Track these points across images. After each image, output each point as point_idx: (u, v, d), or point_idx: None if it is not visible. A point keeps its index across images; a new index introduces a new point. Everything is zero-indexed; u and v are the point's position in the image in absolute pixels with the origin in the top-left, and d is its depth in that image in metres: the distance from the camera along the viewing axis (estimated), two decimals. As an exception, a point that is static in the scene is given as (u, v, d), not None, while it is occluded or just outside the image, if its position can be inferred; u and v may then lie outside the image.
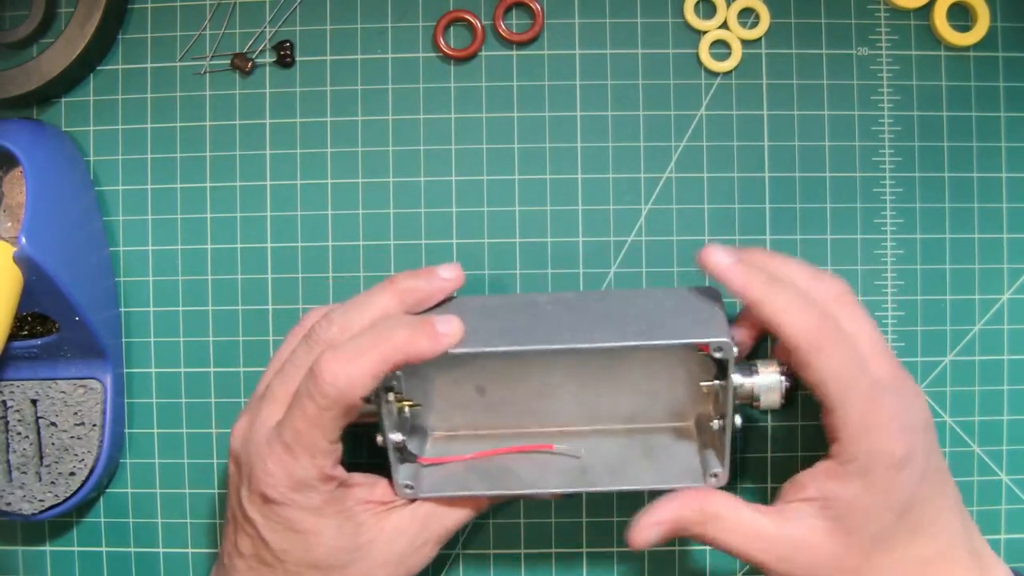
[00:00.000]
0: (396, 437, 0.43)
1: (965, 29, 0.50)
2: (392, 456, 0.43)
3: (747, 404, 0.44)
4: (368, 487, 0.44)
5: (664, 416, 0.47)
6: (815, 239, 0.50)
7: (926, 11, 0.50)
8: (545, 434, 0.47)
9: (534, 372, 0.46)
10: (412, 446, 0.45)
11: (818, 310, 0.40)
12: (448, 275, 0.44)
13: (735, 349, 0.41)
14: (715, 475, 0.43)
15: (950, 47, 0.50)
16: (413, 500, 0.44)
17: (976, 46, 0.50)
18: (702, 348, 0.42)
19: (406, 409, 0.44)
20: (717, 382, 0.43)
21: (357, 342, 0.40)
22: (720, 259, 0.42)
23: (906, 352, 0.50)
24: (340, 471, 0.42)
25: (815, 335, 0.40)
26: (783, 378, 0.44)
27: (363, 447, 0.51)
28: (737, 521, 0.42)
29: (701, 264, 0.43)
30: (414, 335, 0.40)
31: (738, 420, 0.43)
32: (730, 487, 0.44)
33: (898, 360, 0.43)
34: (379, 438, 0.43)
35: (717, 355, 0.41)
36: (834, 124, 0.50)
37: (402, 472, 0.44)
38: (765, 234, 0.50)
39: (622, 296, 0.45)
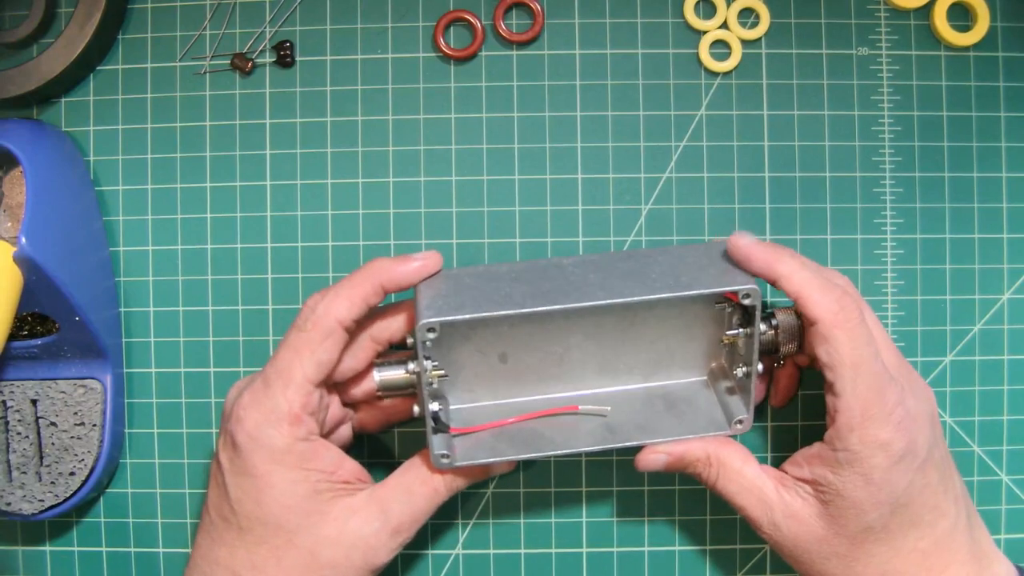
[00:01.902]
0: (434, 406, 0.43)
1: (965, 29, 0.50)
2: (428, 426, 0.43)
3: (769, 351, 0.45)
4: (335, 461, 0.43)
5: (681, 371, 0.48)
6: (815, 239, 0.50)
7: (926, 11, 0.50)
8: (568, 398, 0.47)
9: (555, 335, 0.46)
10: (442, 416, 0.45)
11: (841, 290, 0.41)
12: (421, 258, 0.45)
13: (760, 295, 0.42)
14: (740, 422, 0.44)
15: (950, 47, 0.50)
16: (370, 486, 0.44)
17: (976, 46, 0.50)
18: (730, 296, 0.43)
19: (434, 381, 0.44)
20: (741, 331, 0.43)
21: (338, 283, 0.43)
22: (746, 239, 0.43)
23: (906, 352, 0.50)
24: (311, 424, 0.42)
25: (837, 312, 0.40)
26: (800, 322, 0.44)
27: (363, 446, 0.51)
28: (741, 474, 0.43)
29: (731, 249, 0.43)
30: (388, 262, 0.43)
31: (760, 367, 0.43)
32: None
33: (898, 350, 0.44)
34: (415, 408, 0.44)
35: (745, 301, 0.42)
36: (834, 124, 0.50)
37: (436, 442, 0.43)
38: (765, 234, 0.50)
39: (645, 255, 0.45)
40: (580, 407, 0.46)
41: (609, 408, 0.46)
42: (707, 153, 0.51)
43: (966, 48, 0.50)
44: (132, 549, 0.51)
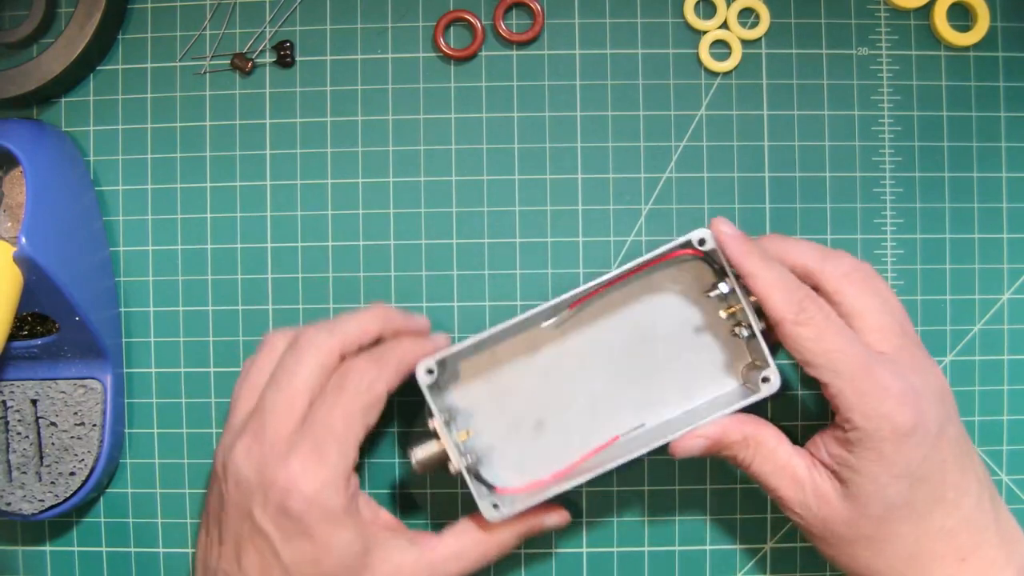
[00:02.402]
0: (465, 462, 0.44)
1: (965, 29, 0.50)
2: (471, 484, 0.43)
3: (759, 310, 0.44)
4: (372, 509, 0.44)
5: (712, 384, 0.47)
6: (815, 239, 0.50)
7: (926, 11, 0.50)
8: (590, 411, 0.47)
9: (575, 387, 0.47)
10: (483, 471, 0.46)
11: (803, 292, 0.41)
12: (422, 322, 0.48)
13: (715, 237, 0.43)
14: (767, 379, 0.43)
15: (950, 47, 0.50)
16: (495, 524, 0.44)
17: (976, 46, 0.50)
18: (690, 252, 0.43)
19: (460, 442, 0.45)
20: (721, 286, 0.44)
21: (383, 350, 0.44)
22: (725, 228, 0.43)
23: (906, 352, 0.50)
24: (355, 480, 0.43)
25: (795, 312, 0.41)
26: None
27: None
28: (776, 453, 0.43)
29: (712, 231, 0.43)
30: (415, 341, 0.45)
31: (760, 324, 0.43)
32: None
33: (913, 332, 0.43)
34: (452, 467, 0.44)
35: (703, 248, 0.43)
36: (834, 124, 0.50)
37: (484, 496, 0.44)
38: (765, 234, 0.50)
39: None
40: (620, 435, 0.46)
41: (645, 423, 0.46)
42: (707, 153, 0.51)
43: (966, 48, 0.50)
44: (132, 549, 0.51)
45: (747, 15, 0.51)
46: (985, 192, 0.50)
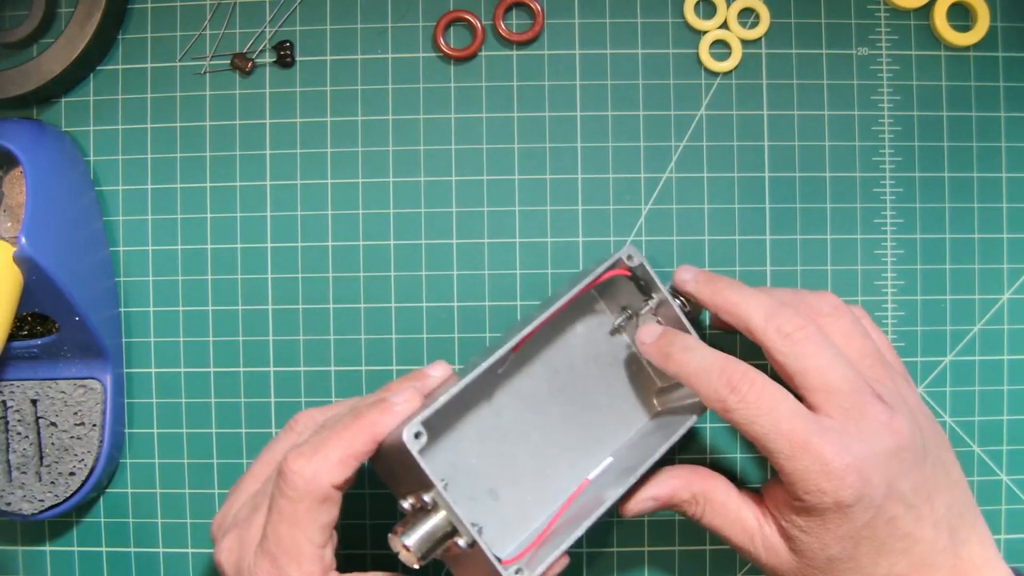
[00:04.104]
0: (469, 537, 0.39)
1: (965, 29, 0.50)
2: (488, 552, 0.39)
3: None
4: None
5: (601, 394, 0.47)
6: (815, 239, 0.50)
7: (926, 11, 0.50)
8: (536, 467, 0.46)
9: (516, 442, 0.46)
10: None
11: (728, 372, 0.40)
12: (436, 373, 0.44)
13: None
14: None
15: (950, 47, 0.50)
16: None
17: (976, 46, 0.50)
18: (621, 273, 0.44)
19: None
20: (653, 298, 0.45)
21: (318, 434, 0.40)
22: (686, 275, 0.45)
23: (906, 352, 0.50)
24: None
25: (723, 399, 0.40)
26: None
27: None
28: (726, 507, 0.43)
29: (677, 284, 0.45)
30: (375, 413, 0.40)
31: (689, 328, 0.45)
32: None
33: (879, 371, 0.42)
34: (463, 540, 0.39)
35: (631, 264, 0.44)
36: (834, 124, 0.50)
37: (496, 557, 0.39)
38: (765, 234, 0.50)
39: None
40: (590, 477, 0.46)
41: (611, 459, 0.46)
42: (707, 153, 0.51)
43: (966, 48, 0.50)
44: (132, 549, 0.51)
45: (747, 15, 0.51)
46: (985, 192, 0.50)
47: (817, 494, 0.39)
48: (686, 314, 0.45)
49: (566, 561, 0.42)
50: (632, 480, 0.43)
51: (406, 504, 0.40)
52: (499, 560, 0.39)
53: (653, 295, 0.45)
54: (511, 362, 0.46)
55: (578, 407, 0.47)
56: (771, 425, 0.39)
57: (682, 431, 0.44)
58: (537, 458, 0.46)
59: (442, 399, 0.40)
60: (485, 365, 0.41)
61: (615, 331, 0.48)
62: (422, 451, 0.38)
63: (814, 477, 0.39)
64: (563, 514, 0.44)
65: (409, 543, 0.38)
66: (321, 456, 0.39)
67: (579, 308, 0.48)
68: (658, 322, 0.46)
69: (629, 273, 0.45)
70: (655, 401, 0.48)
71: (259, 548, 0.39)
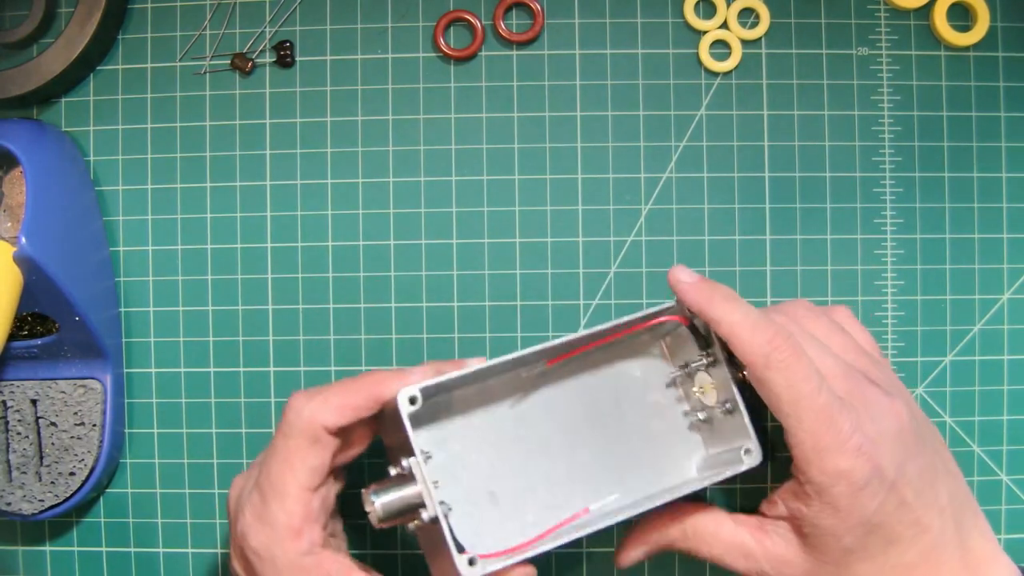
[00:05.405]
0: (444, 511, 0.39)
1: (965, 29, 0.50)
2: (448, 534, 0.38)
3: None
4: (341, 572, 0.40)
5: (639, 438, 0.46)
6: (815, 239, 0.50)
7: (926, 11, 0.50)
8: (546, 485, 0.45)
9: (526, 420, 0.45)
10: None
11: (774, 328, 0.40)
12: (472, 363, 0.43)
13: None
14: (748, 451, 0.42)
15: (950, 47, 0.50)
16: None
17: (976, 46, 0.50)
18: (679, 318, 0.43)
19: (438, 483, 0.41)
20: (703, 359, 0.43)
21: (330, 386, 0.41)
22: (683, 277, 0.42)
23: (906, 352, 0.50)
24: (313, 535, 0.40)
25: (768, 353, 0.39)
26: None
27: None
28: (718, 536, 0.43)
29: (670, 284, 0.42)
30: (385, 374, 0.41)
31: (738, 397, 0.42)
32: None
33: (867, 366, 0.42)
34: (425, 514, 0.39)
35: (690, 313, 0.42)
36: (834, 124, 0.50)
37: (461, 549, 0.39)
38: (765, 234, 0.50)
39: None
40: (591, 507, 0.44)
41: (616, 495, 0.45)
42: (707, 153, 0.51)
43: (966, 48, 0.50)
44: (132, 549, 0.51)
45: (747, 15, 0.51)
46: (985, 192, 0.50)
47: (832, 475, 0.39)
48: (740, 382, 0.42)
49: (531, 571, 0.41)
50: (618, 519, 0.41)
51: (392, 471, 0.40)
52: (456, 543, 0.38)
53: (710, 351, 0.43)
54: (547, 375, 0.45)
55: (610, 444, 0.45)
56: (807, 391, 0.39)
57: (688, 489, 0.43)
58: (550, 480, 0.45)
59: (453, 374, 0.40)
60: (508, 358, 0.41)
61: (671, 384, 0.46)
62: (419, 421, 0.39)
63: (831, 457, 0.39)
64: (549, 536, 0.42)
65: (376, 502, 0.39)
66: (321, 398, 0.40)
67: (642, 351, 0.46)
68: (711, 384, 0.44)
69: (687, 321, 0.43)
70: (694, 467, 0.46)
71: (255, 482, 0.41)
